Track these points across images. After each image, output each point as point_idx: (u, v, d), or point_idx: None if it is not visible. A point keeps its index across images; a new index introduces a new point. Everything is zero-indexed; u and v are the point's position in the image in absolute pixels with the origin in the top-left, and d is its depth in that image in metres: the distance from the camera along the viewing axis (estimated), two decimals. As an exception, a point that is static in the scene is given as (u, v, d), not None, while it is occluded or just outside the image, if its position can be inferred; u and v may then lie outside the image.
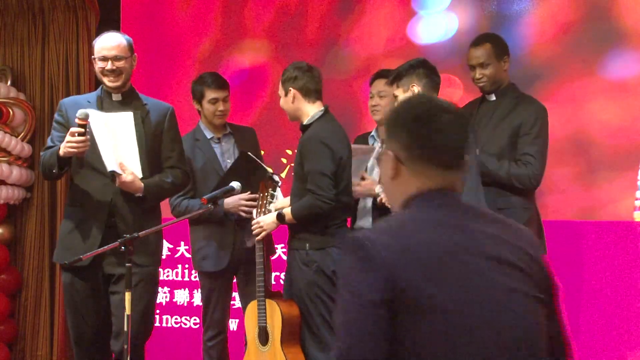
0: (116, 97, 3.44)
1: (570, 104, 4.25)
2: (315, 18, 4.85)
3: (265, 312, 3.53)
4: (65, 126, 3.34)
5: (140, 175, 3.31)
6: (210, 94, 4.03)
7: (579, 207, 4.24)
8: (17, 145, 4.98)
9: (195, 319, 5.12)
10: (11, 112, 5.03)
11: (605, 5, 4.26)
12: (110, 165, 3.27)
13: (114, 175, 3.26)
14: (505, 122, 3.63)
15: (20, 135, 5.05)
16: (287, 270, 3.62)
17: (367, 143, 3.91)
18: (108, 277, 3.35)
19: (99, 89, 3.51)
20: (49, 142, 3.44)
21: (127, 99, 3.46)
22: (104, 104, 3.42)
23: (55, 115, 3.45)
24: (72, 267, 3.27)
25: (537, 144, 3.57)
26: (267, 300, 3.55)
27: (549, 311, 1.65)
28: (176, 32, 5.27)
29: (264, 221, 3.56)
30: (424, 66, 3.39)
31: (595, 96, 4.23)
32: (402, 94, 3.33)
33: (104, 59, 3.38)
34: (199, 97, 4.09)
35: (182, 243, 5.15)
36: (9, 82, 5.30)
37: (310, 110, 3.56)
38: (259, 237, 3.57)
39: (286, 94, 3.57)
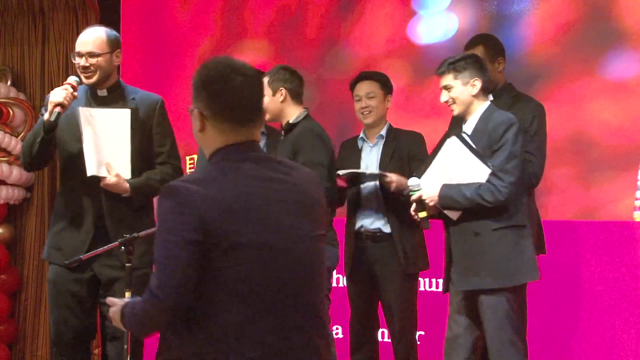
0: (101, 92, 3.34)
1: (570, 104, 4.25)
2: (315, 18, 4.85)
3: None
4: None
5: (129, 174, 3.24)
6: None
7: (578, 207, 4.24)
8: (17, 145, 4.98)
9: None
10: (11, 112, 5.03)
11: (605, 5, 4.25)
12: (91, 169, 3.20)
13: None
14: None
15: (20, 136, 5.06)
16: None
17: (355, 144, 3.88)
18: (97, 280, 3.28)
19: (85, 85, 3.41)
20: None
21: (113, 94, 3.35)
22: (90, 99, 3.34)
23: (42, 110, 3.33)
24: (59, 266, 3.22)
25: (536, 141, 3.57)
26: None
27: (324, 242, 2.03)
28: (176, 32, 5.28)
29: None
30: (483, 62, 3.35)
31: (595, 96, 4.23)
32: (460, 86, 3.27)
33: (79, 54, 3.29)
34: None
35: None
36: (9, 82, 5.31)
37: (295, 112, 3.62)
38: None
39: (274, 93, 3.60)
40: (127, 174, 3.24)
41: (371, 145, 3.84)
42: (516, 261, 3.17)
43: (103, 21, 5.40)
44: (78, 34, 5.35)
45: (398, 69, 4.66)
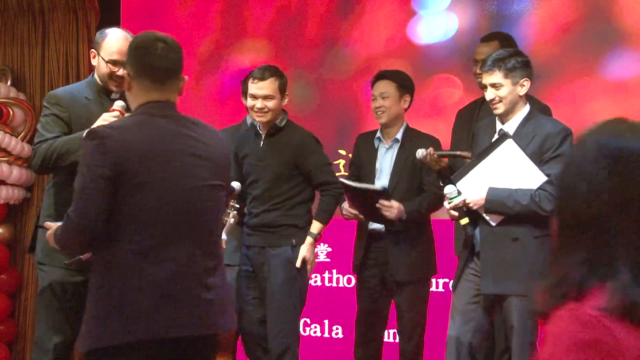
0: (115, 95, 3.30)
1: (570, 104, 4.25)
2: (315, 18, 4.85)
3: None
4: (67, 123, 3.20)
5: None
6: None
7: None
8: (17, 145, 4.98)
9: None
10: (11, 112, 5.02)
11: (605, 5, 4.25)
12: None
13: None
14: None
15: (20, 135, 5.05)
16: (262, 269, 3.58)
17: (372, 142, 3.85)
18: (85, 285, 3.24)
19: (89, 82, 3.35)
20: (46, 135, 3.19)
21: (120, 97, 3.30)
22: (101, 101, 3.27)
23: (53, 110, 3.22)
24: (57, 268, 3.12)
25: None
26: None
27: (225, 192, 2.43)
28: (176, 32, 5.21)
29: (310, 257, 3.57)
30: (531, 63, 3.26)
31: (595, 96, 4.22)
32: (510, 86, 3.15)
33: (115, 63, 3.21)
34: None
35: None
36: (9, 82, 5.28)
37: (281, 114, 3.67)
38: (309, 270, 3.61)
39: (283, 97, 3.64)
40: None
41: (387, 147, 3.80)
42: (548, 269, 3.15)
43: (103, 21, 5.38)
44: (78, 34, 5.45)
45: (398, 68, 4.54)
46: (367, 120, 4.62)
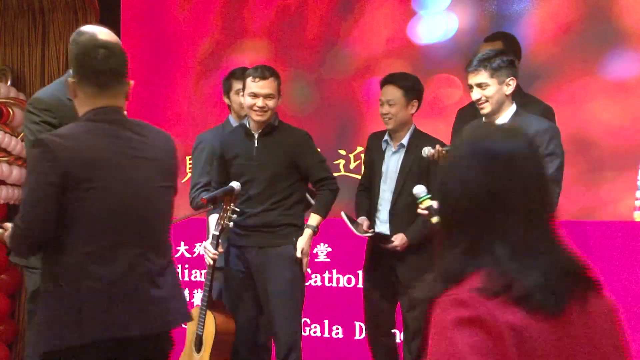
0: None
1: (570, 104, 4.25)
2: (315, 18, 4.85)
3: (204, 321, 3.61)
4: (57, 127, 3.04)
5: None
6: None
7: (579, 207, 4.23)
8: (17, 145, 4.98)
9: None
10: (11, 112, 5.02)
11: (606, 5, 4.26)
12: None
13: None
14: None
15: (21, 136, 5.05)
16: (262, 269, 3.58)
17: (380, 143, 3.84)
18: None
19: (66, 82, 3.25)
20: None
21: None
22: None
23: (43, 115, 3.04)
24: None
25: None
26: (208, 310, 3.62)
27: (174, 193, 2.47)
28: (176, 32, 5.27)
29: (305, 249, 3.57)
30: (516, 62, 3.28)
31: (596, 96, 4.23)
32: (496, 85, 3.18)
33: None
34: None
35: (182, 243, 5.16)
36: (9, 82, 5.30)
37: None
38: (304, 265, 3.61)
39: (280, 97, 3.67)
40: None
41: (393, 150, 3.81)
42: None
43: (103, 21, 5.43)
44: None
45: (398, 69, 4.51)
46: (367, 120, 4.63)
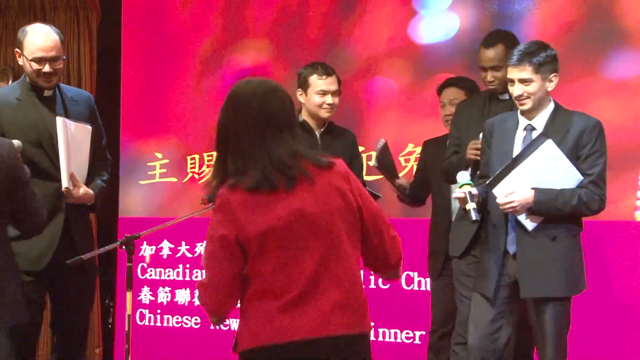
0: (47, 92, 3.28)
1: (571, 104, 4.20)
2: (316, 18, 4.87)
3: None
4: (1, 130, 3.18)
5: (84, 181, 3.26)
6: None
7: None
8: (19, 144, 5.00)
9: (196, 319, 5.16)
10: (12, 111, 5.05)
11: (607, 5, 4.26)
12: (65, 181, 3.18)
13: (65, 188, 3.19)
14: None
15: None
16: None
17: (443, 147, 3.77)
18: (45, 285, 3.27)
19: (20, 83, 3.31)
20: None
21: (54, 94, 3.31)
22: (33, 100, 3.25)
23: None
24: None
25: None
26: None
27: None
28: (178, 32, 5.30)
29: None
30: (557, 57, 3.18)
31: (597, 96, 4.23)
32: (540, 81, 3.07)
33: (40, 60, 3.18)
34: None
35: (183, 243, 5.19)
36: (10, 82, 5.33)
37: None
38: None
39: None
40: (83, 181, 3.26)
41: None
42: (581, 268, 3.14)
43: (104, 21, 5.47)
44: (79, 33, 5.46)
45: (399, 68, 4.70)
46: (368, 121, 4.66)
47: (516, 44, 3.65)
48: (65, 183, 3.17)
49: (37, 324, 3.27)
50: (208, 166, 5.18)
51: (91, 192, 3.27)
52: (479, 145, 3.37)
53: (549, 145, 3.03)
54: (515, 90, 3.08)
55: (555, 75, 3.11)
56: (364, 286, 2.15)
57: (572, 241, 3.09)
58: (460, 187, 3.08)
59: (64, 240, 3.20)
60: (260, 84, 2.12)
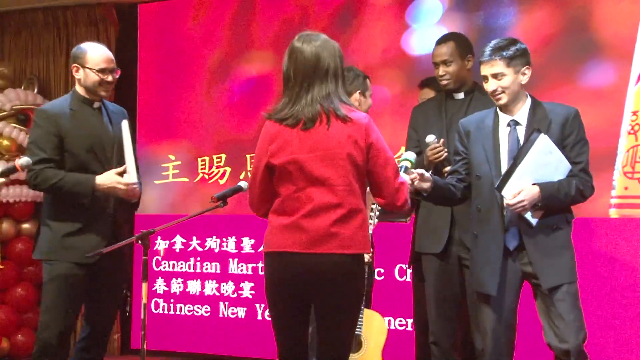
0: (96, 104, 3.44)
1: (551, 111, 4.37)
2: (317, 30, 4.96)
3: (362, 321, 3.44)
4: (58, 135, 3.31)
5: (135, 179, 3.35)
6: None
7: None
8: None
9: (206, 307, 5.22)
10: (37, 118, 5.28)
11: (584, 19, 4.33)
12: (134, 178, 3.31)
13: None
14: None
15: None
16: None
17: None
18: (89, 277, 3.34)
19: (71, 95, 3.44)
20: (40, 154, 3.28)
21: (100, 106, 3.47)
22: (85, 111, 3.40)
23: (43, 124, 3.33)
24: (70, 263, 3.28)
25: None
26: (365, 309, 3.47)
27: None
28: (189, 44, 5.37)
29: None
30: (528, 51, 3.09)
31: (575, 103, 4.06)
32: (512, 75, 3.00)
33: (104, 70, 3.36)
34: None
35: (194, 238, 5.28)
36: (35, 90, 5.45)
37: None
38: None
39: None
40: (134, 179, 3.35)
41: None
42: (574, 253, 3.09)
43: (122, 34, 5.50)
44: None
45: (393, 77, 4.78)
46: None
47: (466, 44, 3.65)
48: (134, 179, 3.30)
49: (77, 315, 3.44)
50: (217, 167, 5.24)
51: (139, 189, 3.39)
52: (439, 147, 3.43)
53: (544, 139, 2.97)
54: (490, 85, 3.03)
55: (527, 68, 3.03)
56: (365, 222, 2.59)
57: (569, 228, 3.06)
58: (401, 161, 3.00)
59: (112, 238, 3.32)
60: (316, 36, 2.66)
